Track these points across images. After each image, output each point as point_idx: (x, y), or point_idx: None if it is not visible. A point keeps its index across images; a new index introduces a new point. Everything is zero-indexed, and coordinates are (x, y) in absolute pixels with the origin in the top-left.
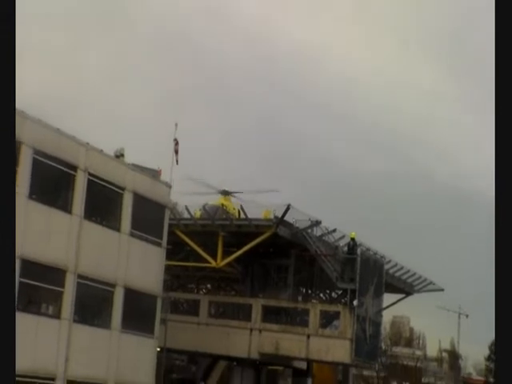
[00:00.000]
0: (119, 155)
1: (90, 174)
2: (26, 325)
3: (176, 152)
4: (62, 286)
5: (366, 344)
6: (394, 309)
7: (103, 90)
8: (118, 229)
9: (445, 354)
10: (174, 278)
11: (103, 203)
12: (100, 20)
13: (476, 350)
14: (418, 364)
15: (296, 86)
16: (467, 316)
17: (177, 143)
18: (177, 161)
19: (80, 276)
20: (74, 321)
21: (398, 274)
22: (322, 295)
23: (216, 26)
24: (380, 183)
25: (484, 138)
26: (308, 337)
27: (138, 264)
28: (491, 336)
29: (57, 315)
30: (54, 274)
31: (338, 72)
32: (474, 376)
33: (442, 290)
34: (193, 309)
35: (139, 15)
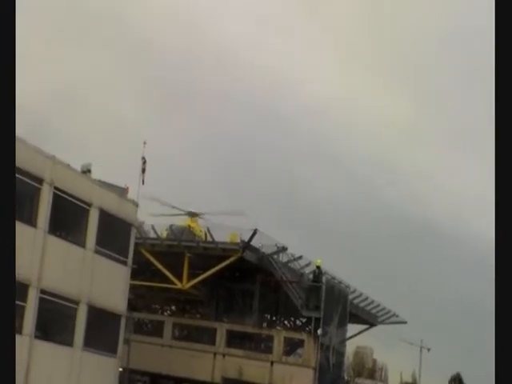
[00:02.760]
0: (86, 171)
1: (55, 188)
2: None
3: (143, 171)
4: (24, 300)
5: (330, 373)
6: (357, 339)
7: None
8: (83, 245)
9: None
10: (139, 298)
11: (69, 218)
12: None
13: (437, 383)
14: None
15: (266, 106)
16: (429, 350)
17: (144, 162)
18: (143, 180)
19: (43, 291)
20: (36, 337)
21: (362, 305)
22: (286, 322)
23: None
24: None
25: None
26: (272, 363)
27: (103, 282)
28: (452, 370)
29: (18, 330)
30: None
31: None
32: None
33: (405, 322)
34: (157, 330)
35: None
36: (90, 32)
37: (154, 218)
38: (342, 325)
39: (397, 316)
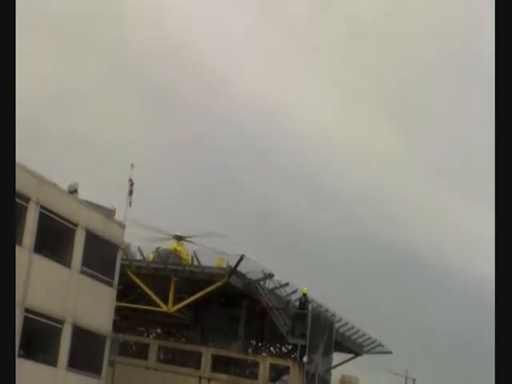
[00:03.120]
0: (73, 191)
1: (42, 207)
2: None
3: (130, 193)
4: None
5: None
6: (343, 368)
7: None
8: (68, 265)
9: None
10: (124, 320)
11: (54, 238)
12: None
13: None
14: None
15: (247, 138)
16: (414, 380)
17: (131, 184)
18: (130, 202)
19: (27, 310)
20: (19, 355)
21: (347, 334)
22: (272, 349)
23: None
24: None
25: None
26: None
27: (88, 302)
28: None
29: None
30: None
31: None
32: None
33: (391, 352)
34: (142, 352)
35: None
36: (81, 43)
37: (141, 240)
38: (327, 353)
39: (382, 346)
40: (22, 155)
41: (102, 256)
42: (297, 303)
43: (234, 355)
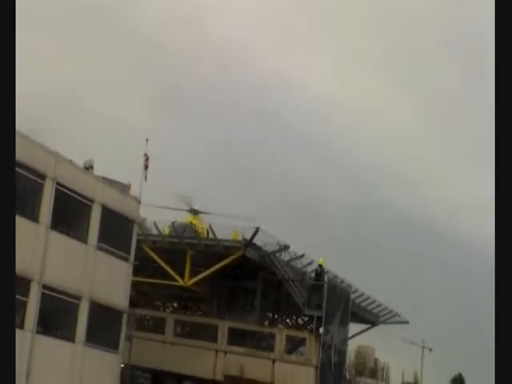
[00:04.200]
0: (88, 167)
1: (58, 184)
2: None
3: (146, 167)
4: (26, 296)
5: (331, 372)
6: (359, 338)
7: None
8: (85, 241)
9: None
10: (141, 295)
11: (71, 214)
12: None
13: (439, 383)
14: None
15: (269, 109)
16: (430, 350)
17: (147, 159)
18: (145, 177)
19: (45, 286)
20: (37, 332)
21: (364, 304)
22: (288, 320)
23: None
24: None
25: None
26: (273, 362)
27: (105, 278)
28: (453, 370)
29: (20, 325)
30: (18, 283)
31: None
32: None
33: (407, 322)
34: (158, 327)
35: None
36: (90, 32)
37: (156, 214)
38: (343, 324)
39: (399, 316)
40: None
41: (118, 231)
42: (313, 274)
43: (251, 328)
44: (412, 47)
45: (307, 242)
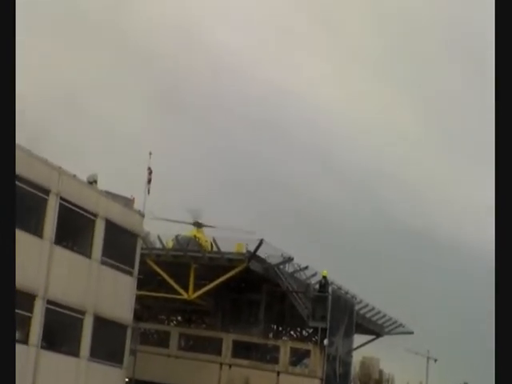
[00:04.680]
0: (92, 181)
1: (62, 199)
2: None
3: (149, 181)
4: (31, 311)
5: (336, 383)
6: (363, 349)
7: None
8: (88, 255)
9: None
10: (145, 308)
11: (75, 229)
12: None
13: None
14: None
15: (268, 116)
16: (435, 360)
17: (150, 172)
18: (149, 191)
19: (49, 301)
20: (42, 347)
21: (368, 315)
22: (292, 332)
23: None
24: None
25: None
26: (278, 374)
27: (109, 292)
28: (458, 380)
29: (24, 341)
30: (22, 298)
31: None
32: None
33: (412, 332)
34: (163, 340)
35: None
36: (90, 37)
37: (160, 227)
38: (348, 335)
39: (403, 326)
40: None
41: (122, 245)
42: (317, 286)
43: (255, 340)
44: (412, 47)
45: (306, 249)
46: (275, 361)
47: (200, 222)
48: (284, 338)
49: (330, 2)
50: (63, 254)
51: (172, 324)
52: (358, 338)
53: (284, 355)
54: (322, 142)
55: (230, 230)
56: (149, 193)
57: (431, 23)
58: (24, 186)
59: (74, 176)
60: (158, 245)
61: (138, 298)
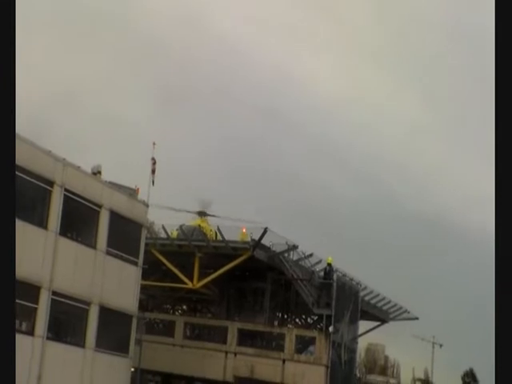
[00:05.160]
0: (96, 172)
1: (66, 190)
2: None
3: (153, 172)
4: (36, 302)
5: (342, 370)
6: (369, 336)
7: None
8: (93, 246)
9: (418, 383)
10: (150, 298)
11: (79, 220)
12: None
13: (450, 379)
14: None
15: (272, 106)
16: (441, 346)
17: (154, 162)
18: (153, 181)
19: (54, 293)
20: (48, 338)
21: (373, 302)
22: (297, 320)
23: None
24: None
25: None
26: (283, 361)
27: (114, 282)
28: (464, 366)
29: (30, 332)
30: (28, 289)
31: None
32: None
33: (417, 318)
34: (168, 330)
35: None
36: (91, 33)
37: (164, 217)
38: (353, 322)
39: (408, 312)
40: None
41: (127, 236)
42: (321, 273)
43: (260, 328)
44: (414, 39)
45: (312, 238)
46: (281, 348)
47: (204, 211)
48: (289, 325)
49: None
50: (68, 245)
51: (177, 313)
52: (363, 325)
53: (289, 343)
54: (327, 131)
55: (234, 220)
56: (153, 184)
57: (434, 17)
58: (28, 178)
59: (78, 167)
60: (163, 235)
61: (143, 288)
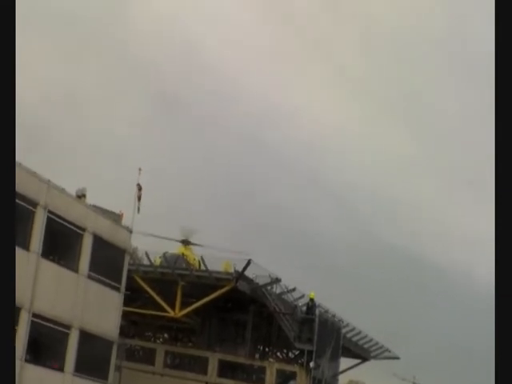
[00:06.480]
0: (81, 195)
1: (50, 212)
2: None
3: (139, 198)
4: (16, 323)
5: None
6: (350, 373)
7: None
8: (76, 270)
9: None
10: (131, 325)
11: (62, 242)
12: None
13: None
14: None
15: (259, 139)
16: None
17: (140, 189)
18: (138, 208)
19: (35, 315)
20: (26, 360)
21: (355, 339)
22: (279, 354)
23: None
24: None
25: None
26: None
27: (95, 307)
28: None
29: None
30: None
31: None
32: None
33: (398, 358)
34: (149, 357)
35: None
36: (87, 45)
37: (148, 244)
38: (334, 358)
39: (389, 351)
40: (29, 160)
41: (110, 261)
42: (304, 308)
43: (241, 360)
44: (404, 65)
45: (294, 270)
46: (261, 382)
47: (188, 239)
48: (270, 359)
49: (325, 26)
50: (50, 268)
51: (158, 341)
52: (345, 362)
53: (270, 376)
54: (312, 161)
55: (218, 250)
56: (138, 211)
57: (426, 40)
58: None
59: (63, 189)
60: (146, 261)
61: (125, 314)
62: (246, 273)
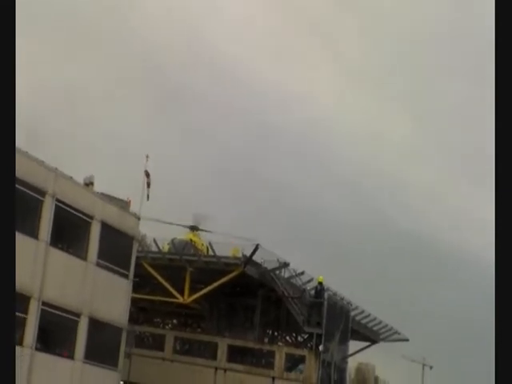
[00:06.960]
0: (88, 183)
1: (58, 201)
2: None
3: (148, 185)
4: (26, 312)
5: None
6: (359, 355)
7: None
8: (84, 257)
9: None
10: (140, 311)
11: (70, 231)
12: None
13: None
14: None
15: (262, 128)
16: (431, 367)
17: (148, 175)
18: (148, 196)
19: (44, 303)
20: (37, 349)
21: (364, 322)
22: (288, 338)
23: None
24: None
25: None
26: (273, 379)
27: (104, 295)
28: None
29: (19, 342)
30: (17, 299)
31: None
32: None
33: (407, 340)
34: (158, 344)
35: None
36: (88, 40)
37: (156, 230)
38: (343, 341)
39: (399, 333)
40: (35, 150)
41: (118, 248)
42: (312, 292)
43: (250, 345)
44: (410, 60)
45: (303, 256)
46: (270, 366)
47: (196, 225)
48: (279, 343)
49: (330, 19)
50: (58, 256)
51: (167, 327)
52: (354, 344)
53: (279, 360)
54: (320, 151)
55: (226, 236)
56: (148, 198)
57: (430, 37)
58: (20, 187)
59: (71, 178)
60: (154, 248)
61: (134, 301)
62: (254, 257)
